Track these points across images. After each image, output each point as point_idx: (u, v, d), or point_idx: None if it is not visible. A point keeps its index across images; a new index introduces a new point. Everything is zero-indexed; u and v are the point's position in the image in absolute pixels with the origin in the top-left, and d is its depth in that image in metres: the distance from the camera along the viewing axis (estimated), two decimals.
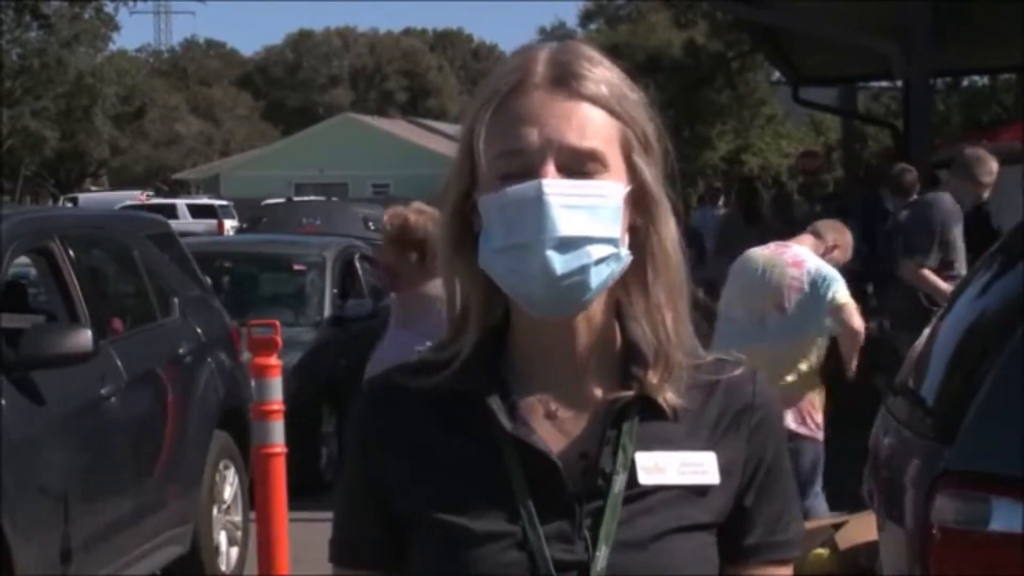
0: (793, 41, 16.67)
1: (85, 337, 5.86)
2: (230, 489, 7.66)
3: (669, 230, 1.71)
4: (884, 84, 31.27)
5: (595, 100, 1.67)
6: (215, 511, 7.45)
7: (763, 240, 7.45)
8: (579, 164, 1.65)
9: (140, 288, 7.50)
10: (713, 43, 41.68)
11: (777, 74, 30.59)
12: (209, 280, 8.75)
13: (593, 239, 1.63)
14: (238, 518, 7.76)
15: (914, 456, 4.32)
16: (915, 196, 9.64)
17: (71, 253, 6.50)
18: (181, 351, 7.40)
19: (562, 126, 1.65)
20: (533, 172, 1.64)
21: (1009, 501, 3.73)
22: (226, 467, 7.60)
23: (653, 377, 1.70)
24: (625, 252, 1.67)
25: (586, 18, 53.94)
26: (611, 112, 1.68)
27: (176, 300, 7.58)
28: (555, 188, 1.62)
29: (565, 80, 1.67)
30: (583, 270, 1.63)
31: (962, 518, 3.80)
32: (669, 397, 1.71)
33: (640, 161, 1.69)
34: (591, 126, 1.66)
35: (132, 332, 7.15)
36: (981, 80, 38.25)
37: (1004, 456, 3.81)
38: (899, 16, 12.15)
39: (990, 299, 4.60)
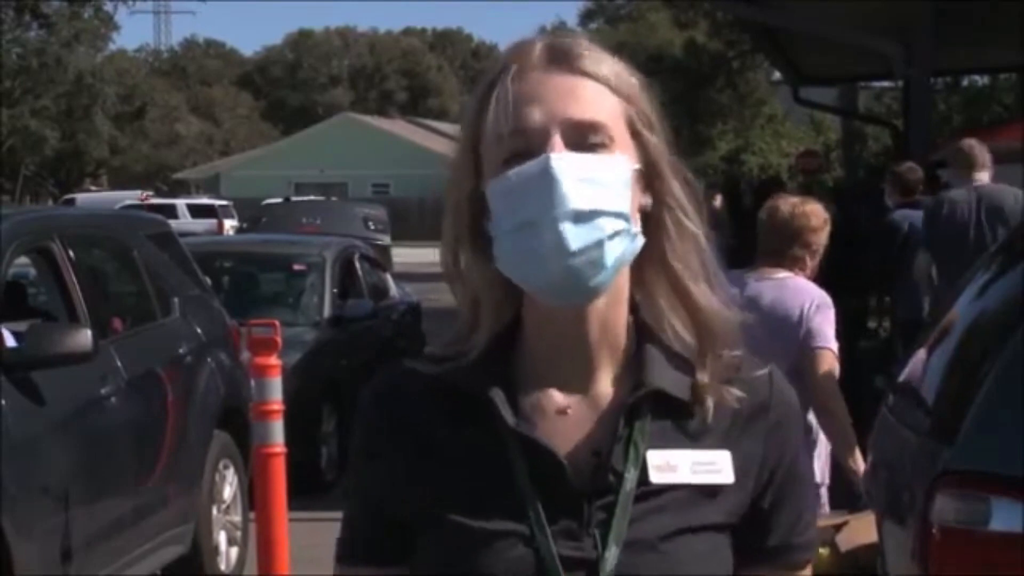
0: (793, 41, 16.67)
1: (85, 337, 5.84)
2: (230, 489, 7.63)
3: (682, 200, 1.68)
4: (885, 84, 31.29)
5: (595, 77, 1.65)
6: (215, 511, 7.43)
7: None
8: (584, 137, 1.62)
9: (140, 288, 7.46)
10: (713, 43, 41.71)
11: (777, 74, 30.59)
12: (208, 280, 8.69)
13: (605, 212, 1.60)
14: (238, 518, 7.75)
15: (914, 456, 4.32)
16: (917, 196, 9.59)
17: (71, 253, 6.48)
18: (181, 351, 7.37)
19: (564, 100, 1.62)
20: (539, 150, 1.61)
21: (1009, 501, 3.73)
22: (226, 467, 7.58)
23: (700, 358, 1.68)
24: (636, 229, 1.64)
25: (586, 17, 54.01)
26: (611, 88, 1.66)
27: (176, 300, 7.54)
28: (563, 162, 1.59)
29: (563, 58, 1.65)
30: (598, 244, 1.59)
31: (962, 518, 3.79)
32: (726, 392, 1.69)
33: (647, 134, 1.67)
34: (594, 99, 1.64)
35: (132, 332, 7.11)
36: (981, 80, 38.24)
37: (1004, 456, 3.81)
38: (899, 16, 12.16)
39: (990, 299, 4.60)
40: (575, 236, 1.58)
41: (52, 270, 6.42)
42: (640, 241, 1.65)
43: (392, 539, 1.72)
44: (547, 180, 1.58)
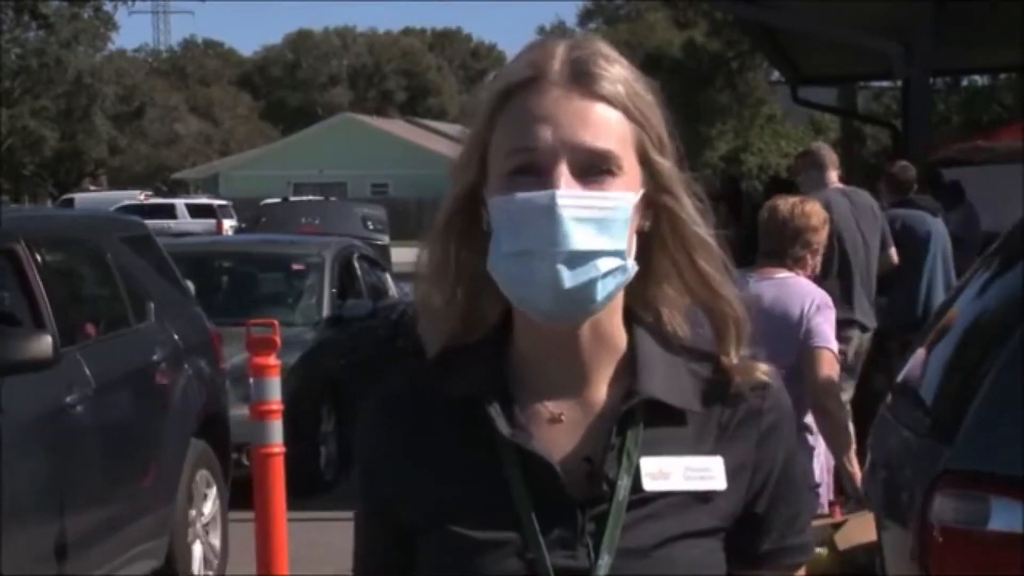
0: (793, 41, 16.67)
1: (45, 343, 5.60)
2: (208, 499, 7.44)
3: (695, 216, 1.70)
4: (884, 84, 31.30)
5: (611, 100, 1.64)
6: (192, 522, 7.23)
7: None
8: (592, 165, 1.62)
9: (113, 292, 7.20)
10: (712, 43, 41.74)
11: (776, 74, 30.60)
12: (191, 284, 8.39)
13: (602, 252, 1.61)
14: (217, 528, 7.55)
15: (914, 456, 4.32)
16: (911, 195, 9.60)
17: (37, 256, 6.21)
18: (156, 357, 7.09)
19: (577, 126, 1.62)
20: (545, 171, 1.61)
21: (1009, 500, 3.73)
22: (204, 476, 7.38)
23: (731, 349, 1.71)
24: (631, 263, 1.65)
25: (585, 17, 54.01)
26: (626, 113, 1.65)
27: (152, 305, 7.28)
28: (568, 200, 1.59)
29: (581, 79, 1.64)
30: (590, 284, 1.61)
31: (962, 518, 3.79)
32: (761, 366, 1.72)
33: (657, 159, 1.67)
34: (606, 127, 1.63)
35: (103, 338, 6.84)
36: (981, 80, 38.27)
37: (1004, 455, 3.81)
38: (899, 16, 12.15)
39: (990, 299, 4.60)
40: (569, 275, 1.60)
41: (17, 273, 6.13)
42: (634, 270, 1.66)
43: (399, 550, 1.73)
44: (550, 216, 1.59)
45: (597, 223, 1.61)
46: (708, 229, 1.71)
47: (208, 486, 7.47)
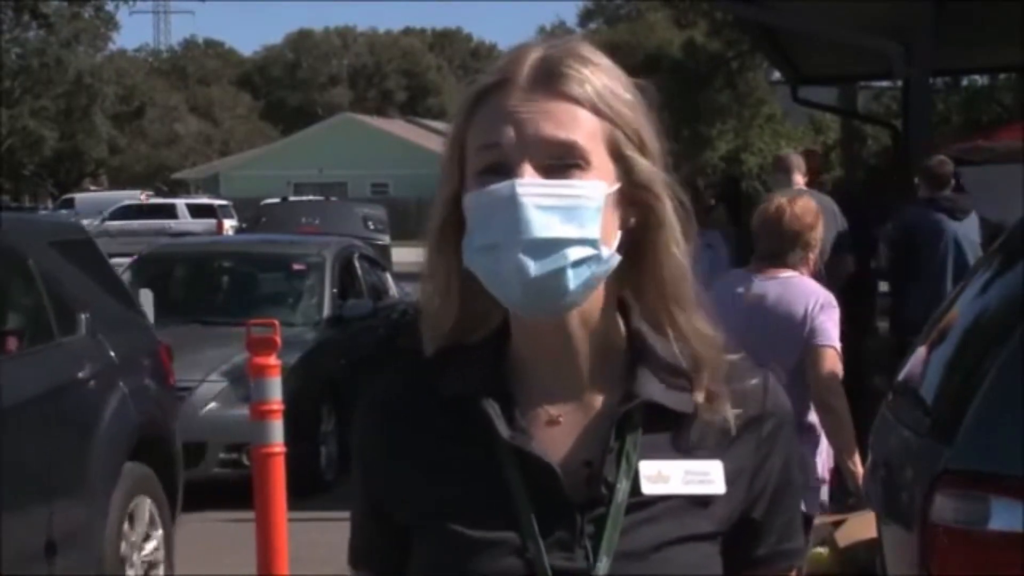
0: (793, 41, 16.66)
1: None
2: (147, 528, 6.82)
3: (673, 222, 1.67)
4: (884, 84, 31.30)
5: (578, 100, 1.64)
6: (125, 557, 6.57)
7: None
8: (558, 158, 1.62)
9: (35, 302, 6.45)
10: (712, 43, 41.72)
11: (776, 74, 30.60)
12: (124, 290, 7.64)
13: (569, 241, 1.60)
14: (160, 557, 6.95)
15: (914, 456, 4.32)
16: (943, 192, 9.59)
17: None
18: (82, 374, 6.39)
19: (539, 121, 1.62)
20: (510, 168, 1.62)
21: (1009, 500, 3.73)
22: (142, 504, 6.74)
23: (702, 383, 1.68)
24: (608, 253, 1.64)
25: (585, 17, 54.00)
26: (595, 111, 1.65)
27: (83, 316, 6.58)
28: (529, 188, 1.60)
29: (547, 80, 1.65)
30: (559, 272, 1.60)
31: (962, 517, 3.80)
32: (725, 410, 1.68)
33: (633, 155, 1.66)
34: (571, 122, 1.63)
35: (15, 354, 6.16)
36: (981, 80, 38.24)
37: (1004, 455, 3.82)
38: (899, 16, 12.15)
39: (990, 299, 4.60)
40: (535, 265, 1.59)
41: None
42: (614, 261, 1.65)
43: (394, 546, 1.73)
44: (511, 206, 1.59)
45: (563, 211, 1.60)
46: (686, 244, 1.68)
47: (150, 516, 6.86)
